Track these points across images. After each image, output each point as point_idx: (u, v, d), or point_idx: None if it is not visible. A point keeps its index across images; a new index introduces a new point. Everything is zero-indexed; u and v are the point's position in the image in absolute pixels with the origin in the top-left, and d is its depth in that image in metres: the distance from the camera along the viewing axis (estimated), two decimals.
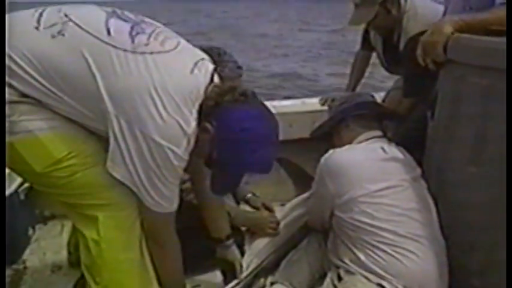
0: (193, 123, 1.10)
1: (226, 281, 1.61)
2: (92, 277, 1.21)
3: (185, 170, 1.56)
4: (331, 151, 1.48)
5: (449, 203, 1.41)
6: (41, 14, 1.08)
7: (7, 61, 1.01)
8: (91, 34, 1.05)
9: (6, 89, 1.02)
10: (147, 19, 1.20)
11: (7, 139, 1.03)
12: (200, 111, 1.12)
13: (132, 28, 1.11)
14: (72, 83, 1.04)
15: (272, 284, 1.57)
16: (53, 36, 1.03)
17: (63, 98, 1.05)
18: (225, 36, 14.98)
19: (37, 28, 1.04)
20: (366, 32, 2.30)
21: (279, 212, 1.86)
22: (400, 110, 1.99)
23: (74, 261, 1.70)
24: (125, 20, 1.13)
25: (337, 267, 1.42)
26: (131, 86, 1.05)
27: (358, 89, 2.45)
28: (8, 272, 1.76)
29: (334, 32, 16.24)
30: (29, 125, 1.04)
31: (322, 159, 1.47)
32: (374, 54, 2.34)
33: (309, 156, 1.84)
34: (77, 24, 1.06)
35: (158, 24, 1.21)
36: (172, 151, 1.08)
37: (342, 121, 1.61)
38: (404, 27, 1.94)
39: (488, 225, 1.26)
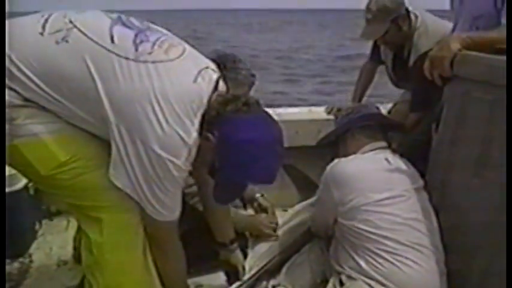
0: (194, 134, 1.10)
1: (229, 282, 1.64)
2: (94, 278, 1.21)
3: (190, 174, 1.61)
4: (336, 160, 1.51)
5: (453, 214, 1.44)
6: (46, 20, 1.08)
7: (10, 66, 1.02)
8: (94, 41, 1.06)
9: (11, 93, 1.03)
10: (152, 26, 1.20)
11: (12, 142, 1.04)
12: (203, 121, 1.12)
13: (136, 36, 1.10)
14: (74, 89, 1.05)
15: (274, 287, 1.60)
16: (57, 42, 1.04)
17: (65, 104, 1.06)
18: None
19: (42, 34, 1.05)
20: (376, 45, 2.33)
21: (281, 217, 1.89)
22: (407, 124, 2.02)
23: (79, 256, 1.73)
24: (130, 27, 1.13)
25: (339, 273, 1.45)
26: (132, 94, 1.05)
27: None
28: (15, 265, 1.80)
29: None
30: (33, 128, 1.06)
31: (328, 168, 1.51)
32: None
33: (314, 164, 1.87)
34: (81, 31, 1.06)
35: (164, 32, 1.21)
36: (173, 162, 1.08)
37: (348, 131, 1.65)
38: (415, 44, 1.98)
39: (490, 236, 1.29)
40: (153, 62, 1.08)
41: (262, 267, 1.69)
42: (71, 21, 1.08)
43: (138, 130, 1.05)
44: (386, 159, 1.50)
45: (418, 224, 1.40)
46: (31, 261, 1.83)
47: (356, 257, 1.39)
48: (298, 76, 11.67)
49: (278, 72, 11.94)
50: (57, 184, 1.13)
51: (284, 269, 1.68)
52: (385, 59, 2.26)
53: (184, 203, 1.63)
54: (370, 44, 2.35)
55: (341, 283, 1.40)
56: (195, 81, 1.12)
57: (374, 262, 1.35)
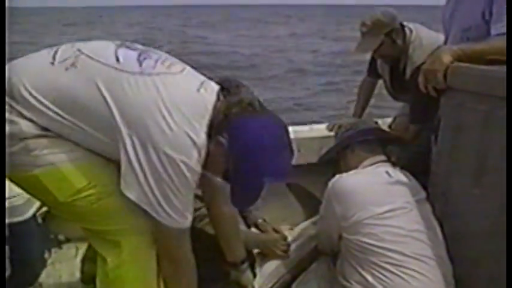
0: (203, 135, 1.13)
1: None
2: None
3: (198, 197, 1.63)
4: (337, 176, 1.53)
5: (456, 224, 1.45)
6: (56, 51, 1.16)
7: (26, 95, 1.08)
8: (101, 63, 1.13)
9: (27, 123, 1.09)
10: (155, 50, 1.27)
11: (32, 171, 1.10)
12: (211, 127, 1.15)
13: (139, 55, 1.18)
14: (86, 109, 1.10)
15: None
16: (67, 69, 1.11)
17: (79, 124, 1.11)
18: None
19: (52, 63, 1.13)
20: (373, 60, 2.37)
21: (288, 235, 1.90)
22: (408, 136, 2.04)
23: (87, 279, 1.74)
24: (133, 49, 1.21)
25: None
26: (141, 104, 1.10)
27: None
28: None
29: None
30: (51, 158, 1.11)
31: (330, 184, 1.53)
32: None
33: (317, 181, 1.88)
34: (88, 56, 1.14)
35: (165, 54, 1.27)
36: (184, 163, 1.11)
37: (348, 147, 1.67)
38: (410, 57, 2.02)
39: (494, 244, 1.29)
40: (158, 74, 1.15)
41: (271, 287, 1.69)
42: (78, 50, 1.15)
43: (149, 136, 1.09)
44: (387, 173, 1.52)
45: (422, 235, 1.40)
46: None
47: (362, 272, 1.40)
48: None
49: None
50: (75, 210, 1.17)
51: None
52: (382, 73, 2.30)
53: (192, 226, 1.68)
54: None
55: None
56: (198, 90, 1.18)
57: (380, 275, 1.36)
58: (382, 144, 1.69)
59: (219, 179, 1.34)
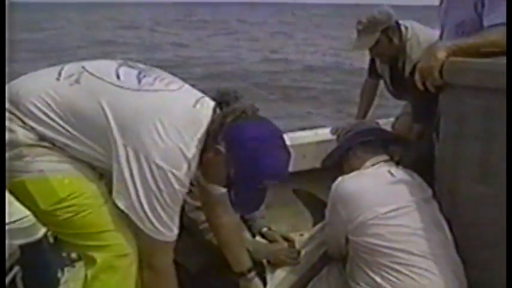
0: (194, 149, 1.18)
1: None
2: None
3: (201, 209, 1.64)
4: (340, 178, 1.53)
5: (462, 222, 1.43)
6: (62, 68, 1.23)
7: (28, 105, 1.14)
8: (103, 80, 1.20)
9: (25, 132, 1.14)
10: (156, 69, 1.33)
11: (20, 177, 1.15)
12: (206, 140, 1.20)
13: (139, 73, 1.25)
14: (84, 119, 1.16)
15: None
16: (71, 85, 1.18)
17: (75, 134, 1.16)
18: None
19: (58, 79, 1.20)
20: (372, 61, 2.38)
21: (298, 242, 1.89)
22: (411, 135, 2.03)
23: None
24: (133, 68, 1.27)
25: None
26: (137, 117, 1.15)
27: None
28: None
29: None
30: (40, 165, 1.15)
31: (333, 187, 1.52)
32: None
33: (324, 186, 1.87)
34: (91, 73, 1.21)
35: (165, 73, 1.33)
36: (174, 174, 1.15)
37: (349, 149, 1.67)
38: (408, 55, 2.02)
39: (502, 241, 1.27)
40: (155, 91, 1.21)
41: None
42: (82, 67, 1.23)
43: (142, 147, 1.14)
44: (389, 172, 1.51)
45: (429, 233, 1.39)
46: None
47: (371, 273, 1.39)
48: None
49: None
50: (56, 220, 1.19)
51: None
52: (382, 73, 2.30)
53: (201, 239, 1.69)
54: None
55: None
56: (194, 106, 1.23)
57: (389, 276, 1.34)
58: (383, 144, 1.68)
59: (217, 188, 1.36)
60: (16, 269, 1.65)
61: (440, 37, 1.71)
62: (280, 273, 1.76)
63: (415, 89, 1.78)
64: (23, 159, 1.14)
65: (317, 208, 2.15)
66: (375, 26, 2.04)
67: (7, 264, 1.59)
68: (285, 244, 1.87)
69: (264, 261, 1.83)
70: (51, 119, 1.15)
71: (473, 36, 1.39)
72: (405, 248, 1.36)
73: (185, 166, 1.17)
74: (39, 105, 1.15)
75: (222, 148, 1.19)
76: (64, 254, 2.08)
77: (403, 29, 2.07)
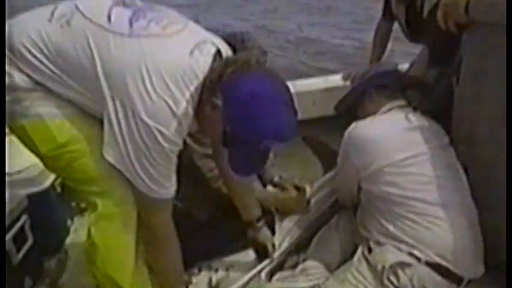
0: (185, 104, 1.08)
1: (259, 260, 1.63)
2: (89, 261, 1.24)
3: (211, 157, 1.60)
4: (353, 124, 1.46)
5: (480, 167, 1.38)
6: (56, 7, 1.15)
7: (22, 50, 1.08)
8: (92, 22, 1.10)
9: (22, 76, 1.09)
10: (157, 6, 1.21)
11: (21, 122, 1.12)
12: (202, 92, 1.11)
13: (133, 14, 1.13)
14: (75, 66, 1.09)
15: (304, 260, 1.59)
16: (62, 26, 1.10)
17: (68, 81, 1.10)
18: None
19: (50, 20, 1.12)
20: (387, 2, 2.24)
21: (308, 192, 1.86)
22: (427, 81, 1.93)
23: None
24: (129, 7, 1.16)
25: (367, 239, 1.42)
26: (124, 67, 1.07)
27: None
28: (52, 262, 1.85)
29: None
30: (39, 110, 1.11)
31: (346, 133, 1.46)
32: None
33: (334, 134, 1.82)
34: (82, 13, 1.12)
35: (169, 11, 1.21)
36: (160, 132, 1.07)
37: (365, 93, 1.59)
38: None
39: None
40: (147, 36, 1.10)
41: (291, 243, 1.67)
42: (76, 6, 1.14)
43: (129, 100, 1.07)
44: (407, 118, 1.44)
45: (446, 181, 1.34)
46: (67, 257, 1.87)
47: (383, 222, 1.36)
48: None
49: None
50: (57, 165, 1.18)
51: (313, 242, 1.66)
52: (397, 14, 2.16)
53: (208, 187, 1.66)
54: None
55: (369, 249, 1.37)
56: (191, 54, 1.11)
57: (402, 225, 1.31)
58: (401, 88, 1.60)
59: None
60: (24, 217, 1.64)
61: None
62: (289, 222, 1.75)
63: (434, 31, 1.67)
64: (22, 103, 1.10)
65: (327, 157, 2.11)
66: None
67: (15, 214, 1.58)
68: (295, 193, 1.85)
69: (273, 209, 1.82)
70: (44, 64, 1.09)
71: None
72: (420, 196, 1.32)
73: (174, 123, 1.08)
74: (31, 49, 1.09)
75: (218, 102, 1.09)
76: (73, 204, 2.09)
77: None
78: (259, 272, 1.57)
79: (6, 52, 1.09)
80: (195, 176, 1.66)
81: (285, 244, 1.67)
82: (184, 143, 1.20)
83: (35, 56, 1.09)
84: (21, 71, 1.10)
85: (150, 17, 1.14)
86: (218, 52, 1.16)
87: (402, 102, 1.54)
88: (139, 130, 1.07)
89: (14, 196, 1.59)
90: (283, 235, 1.70)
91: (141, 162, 1.11)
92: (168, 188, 1.18)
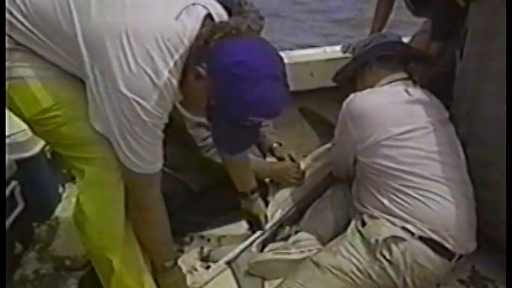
0: (167, 75, 1.00)
1: (252, 231, 1.63)
2: (79, 228, 1.21)
3: (205, 126, 1.56)
4: (352, 95, 1.42)
5: (481, 145, 1.37)
6: None
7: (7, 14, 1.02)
8: None
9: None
10: None
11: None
12: (188, 59, 1.03)
13: None
14: (54, 28, 1.02)
15: (297, 232, 1.58)
16: None
17: (48, 43, 1.04)
18: None
19: None
20: None
21: (302, 163, 1.84)
22: (429, 54, 1.89)
23: None
24: None
25: (361, 213, 1.41)
26: (103, 30, 0.99)
27: None
28: (42, 227, 1.84)
29: None
30: (21, 71, 1.05)
31: (344, 104, 1.43)
32: None
33: (331, 106, 1.79)
34: None
35: None
36: (140, 104, 1.00)
37: (366, 63, 1.54)
38: None
39: None
40: None
41: (284, 215, 1.67)
42: None
43: (108, 69, 1.00)
44: (407, 91, 1.40)
45: (444, 156, 1.32)
46: (58, 224, 1.86)
47: (378, 196, 1.34)
48: None
49: None
50: (42, 130, 1.12)
51: (306, 215, 1.65)
52: None
53: (200, 156, 1.63)
54: None
55: (363, 223, 1.36)
56: (177, 17, 1.02)
57: (397, 199, 1.30)
58: (403, 60, 1.55)
59: None
60: (14, 183, 1.61)
61: None
62: (283, 194, 1.74)
63: (438, 4, 1.62)
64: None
65: (324, 129, 2.08)
66: None
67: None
68: (289, 163, 1.83)
69: (268, 180, 1.81)
70: (23, 24, 1.02)
71: None
72: (417, 171, 1.30)
73: (155, 96, 1.00)
74: (11, 8, 1.01)
75: (202, 71, 1.01)
76: (64, 170, 2.06)
77: None
78: (251, 243, 1.57)
79: None
80: (188, 145, 1.63)
81: (278, 215, 1.66)
82: (175, 107, 1.15)
83: (14, 16, 1.02)
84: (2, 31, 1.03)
85: None
86: (209, 16, 1.07)
87: (403, 74, 1.50)
88: (120, 103, 1.00)
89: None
90: (276, 207, 1.69)
91: (124, 136, 1.05)
92: (154, 163, 1.13)
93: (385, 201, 1.32)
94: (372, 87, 1.48)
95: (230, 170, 1.51)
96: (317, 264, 1.34)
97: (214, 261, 1.52)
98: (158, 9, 1.03)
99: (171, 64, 1.01)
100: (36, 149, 1.77)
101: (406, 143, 1.31)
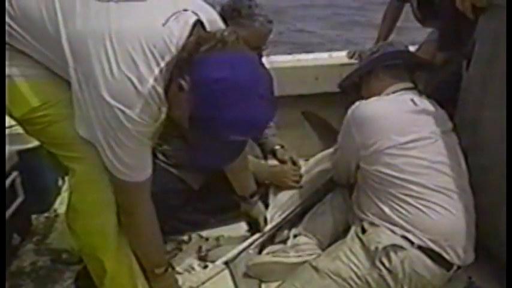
0: (151, 82, 0.97)
1: (251, 232, 1.63)
2: (72, 226, 1.20)
3: None
4: (358, 102, 1.43)
5: (485, 155, 1.37)
6: None
7: None
8: None
9: None
10: None
11: None
12: (173, 68, 1.00)
13: None
14: (40, 30, 1.00)
15: (295, 236, 1.58)
16: None
17: (35, 45, 1.02)
18: None
19: None
20: None
21: (303, 167, 1.84)
22: (435, 64, 1.90)
23: None
24: None
25: (361, 220, 1.41)
26: (87, 35, 0.97)
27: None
28: (41, 219, 1.84)
29: None
30: (8, 70, 1.04)
31: (349, 111, 1.43)
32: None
33: (335, 111, 1.79)
34: None
35: None
36: (123, 112, 0.97)
37: (372, 71, 1.54)
38: None
39: None
40: (117, 1, 1.00)
41: (283, 218, 1.67)
42: None
43: (91, 76, 0.97)
44: (412, 100, 1.41)
45: (446, 167, 1.33)
46: (56, 216, 1.86)
47: (379, 203, 1.34)
48: None
49: None
50: (33, 129, 1.11)
51: (306, 218, 1.65)
52: None
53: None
54: None
55: (363, 230, 1.36)
56: (165, 24, 0.99)
57: (398, 208, 1.30)
58: (410, 69, 1.55)
59: None
60: (14, 174, 1.61)
61: None
62: (283, 197, 1.74)
63: (445, 14, 1.63)
64: None
65: (326, 133, 2.09)
66: None
67: (5, 169, 1.55)
68: (288, 166, 1.83)
69: (268, 183, 1.81)
70: (10, 26, 1.00)
71: None
72: (419, 180, 1.30)
73: (139, 104, 0.97)
74: None
75: (185, 84, 0.97)
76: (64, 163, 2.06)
77: None
78: (250, 245, 1.57)
79: None
80: (189, 143, 1.63)
81: (277, 218, 1.66)
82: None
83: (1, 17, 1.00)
84: None
85: None
86: (200, 23, 1.04)
87: (409, 84, 1.51)
88: (103, 110, 0.98)
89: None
90: (276, 209, 1.69)
91: (108, 142, 1.02)
92: (141, 171, 1.10)
93: (386, 209, 1.33)
94: (377, 95, 1.48)
95: (229, 174, 1.50)
96: (316, 269, 1.34)
97: (212, 261, 1.53)
98: (145, 15, 1.01)
99: (156, 71, 0.98)
100: (35, 141, 1.77)
101: (409, 152, 1.31)
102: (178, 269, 1.50)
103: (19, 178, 1.63)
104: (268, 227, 1.63)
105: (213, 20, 1.11)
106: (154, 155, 1.52)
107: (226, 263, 1.52)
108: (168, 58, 0.98)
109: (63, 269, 1.56)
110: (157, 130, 1.11)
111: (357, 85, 1.61)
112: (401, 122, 1.36)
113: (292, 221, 1.69)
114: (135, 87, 0.97)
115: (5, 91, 1.03)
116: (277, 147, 1.89)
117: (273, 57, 2.10)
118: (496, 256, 1.34)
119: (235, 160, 1.13)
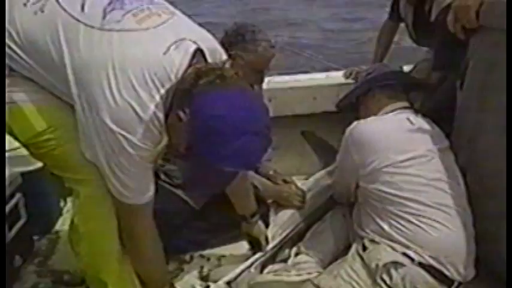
0: (153, 109, 1.00)
1: (253, 251, 1.63)
2: (75, 248, 1.22)
3: None
4: (355, 122, 1.46)
5: (480, 173, 1.39)
6: None
7: None
8: (65, 10, 1.04)
9: None
10: None
11: None
12: (173, 98, 1.03)
13: (109, 3, 1.05)
14: (45, 58, 1.04)
15: (296, 254, 1.59)
16: (35, 13, 1.04)
17: (39, 71, 1.05)
18: None
19: (25, 5, 1.05)
20: (395, 2, 2.23)
21: (302, 186, 1.86)
22: (429, 84, 1.93)
23: None
24: None
25: (362, 237, 1.42)
26: (91, 64, 1.00)
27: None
28: (43, 241, 1.84)
29: None
30: (14, 96, 1.06)
31: (347, 130, 1.46)
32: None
33: (333, 130, 1.82)
34: (56, 0, 1.05)
35: (155, 1, 1.11)
36: (126, 138, 1.00)
37: (369, 91, 1.59)
38: None
39: None
40: (119, 31, 1.02)
41: (284, 236, 1.68)
42: None
43: (94, 102, 1.00)
44: (408, 119, 1.44)
45: (443, 184, 1.35)
46: (58, 238, 1.86)
47: (379, 221, 1.36)
48: None
49: None
50: (38, 153, 1.14)
51: (306, 237, 1.66)
52: (404, 16, 2.15)
53: None
54: None
55: (364, 248, 1.37)
56: (165, 52, 1.02)
57: (398, 225, 1.32)
58: (405, 89, 1.60)
59: None
60: (18, 196, 1.62)
61: None
62: (284, 215, 1.75)
63: (440, 34, 1.67)
64: None
65: (325, 152, 2.11)
66: None
67: (8, 191, 1.56)
68: (293, 185, 1.84)
69: (270, 201, 1.82)
70: (16, 53, 1.04)
71: None
72: (417, 198, 1.32)
73: (140, 129, 1.01)
74: (5, 38, 1.03)
75: (184, 116, 1.00)
76: (67, 184, 2.07)
77: None
78: (252, 264, 1.57)
79: None
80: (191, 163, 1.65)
81: (278, 237, 1.67)
82: None
83: (7, 45, 1.03)
84: None
85: (128, 8, 1.05)
86: (200, 51, 1.07)
87: (405, 103, 1.55)
88: (106, 135, 1.01)
89: (8, 173, 1.58)
90: (277, 228, 1.70)
91: (111, 167, 1.05)
92: (143, 194, 1.12)
93: (386, 227, 1.34)
94: (374, 114, 1.52)
95: (229, 194, 1.52)
96: (317, 287, 1.35)
97: (214, 281, 1.53)
98: (147, 43, 1.03)
99: (157, 98, 1.01)
100: (40, 162, 1.79)
101: (407, 170, 1.34)
102: None
103: (22, 200, 1.65)
104: (270, 246, 1.63)
105: (213, 48, 1.14)
106: (157, 175, 1.54)
107: (228, 283, 1.51)
108: (168, 85, 1.01)
109: None
110: (160, 154, 1.14)
111: (354, 105, 1.65)
112: (398, 140, 1.39)
113: (294, 239, 1.70)
114: (137, 114, 1.00)
115: (5, 113, 1.06)
116: (271, 172, 1.91)
117: (272, 78, 2.15)
118: (496, 272, 1.35)
119: (229, 184, 1.16)
